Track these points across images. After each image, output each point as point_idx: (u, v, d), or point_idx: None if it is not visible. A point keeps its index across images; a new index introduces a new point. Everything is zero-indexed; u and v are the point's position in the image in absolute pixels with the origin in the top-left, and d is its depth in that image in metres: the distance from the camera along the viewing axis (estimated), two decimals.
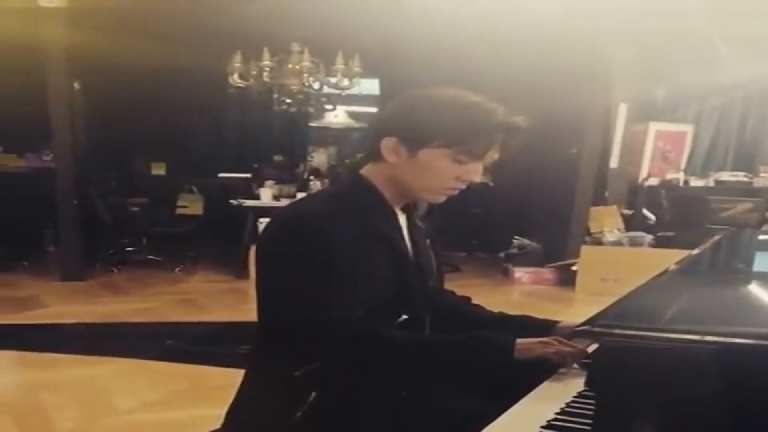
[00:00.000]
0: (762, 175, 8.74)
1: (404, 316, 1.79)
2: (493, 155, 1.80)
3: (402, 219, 1.91)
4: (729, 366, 1.03)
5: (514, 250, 8.32)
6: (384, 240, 1.80)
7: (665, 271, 1.75)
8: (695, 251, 2.21)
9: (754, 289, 1.59)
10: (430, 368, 1.72)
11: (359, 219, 1.75)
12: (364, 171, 1.86)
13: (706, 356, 1.04)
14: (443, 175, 1.77)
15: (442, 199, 1.86)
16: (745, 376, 1.03)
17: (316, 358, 1.70)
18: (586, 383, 1.17)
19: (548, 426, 1.41)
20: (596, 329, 1.10)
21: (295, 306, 1.69)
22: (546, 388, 1.63)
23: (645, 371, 1.07)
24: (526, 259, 8.15)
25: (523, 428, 1.41)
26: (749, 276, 1.89)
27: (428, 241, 2.02)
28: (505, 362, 1.70)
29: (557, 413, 1.45)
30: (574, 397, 1.50)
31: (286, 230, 1.77)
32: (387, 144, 1.78)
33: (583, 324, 1.14)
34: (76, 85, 7.88)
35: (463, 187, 1.82)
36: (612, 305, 1.32)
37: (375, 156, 1.82)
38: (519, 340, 1.73)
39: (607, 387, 1.11)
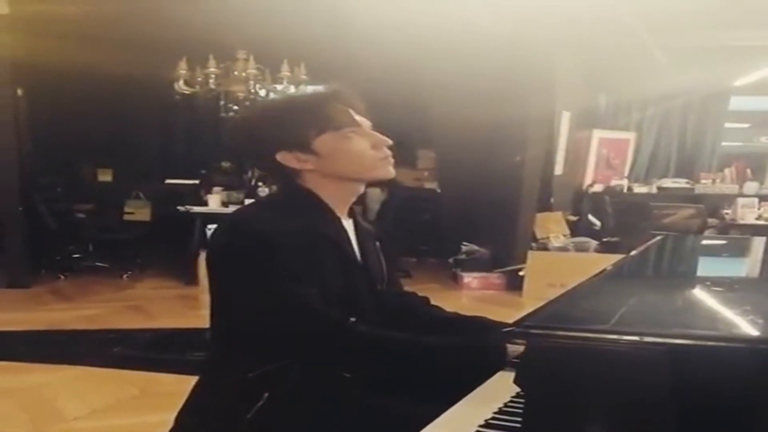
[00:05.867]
0: (703, 181, 8.96)
1: (352, 319, 1.77)
2: (365, 121, 1.86)
3: (348, 224, 1.91)
4: (653, 366, 1.09)
5: (463, 256, 8.40)
6: (331, 244, 1.80)
7: (601, 273, 1.81)
8: (631, 254, 2.28)
9: (683, 290, 1.65)
10: (417, 370, 1.75)
11: (303, 223, 1.76)
12: (298, 180, 1.87)
13: (629, 356, 1.10)
14: (358, 151, 1.83)
15: (383, 173, 1.88)
16: (669, 376, 1.09)
17: (281, 360, 1.71)
18: (515, 381, 1.22)
19: (486, 425, 1.45)
20: (521, 330, 1.15)
21: (271, 311, 1.68)
22: (488, 386, 1.67)
23: (568, 370, 1.12)
24: (474, 264, 8.23)
25: (462, 427, 1.44)
26: (683, 278, 1.96)
27: (378, 243, 2.03)
28: (498, 364, 1.72)
29: (496, 412, 1.50)
30: (513, 396, 1.55)
31: (232, 243, 1.76)
32: (284, 158, 1.81)
33: (511, 325, 1.19)
34: (20, 92, 7.79)
35: (388, 152, 1.86)
36: (543, 306, 1.37)
37: (284, 173, 1.85)
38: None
39: (532, 386, 1.16)
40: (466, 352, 1.78)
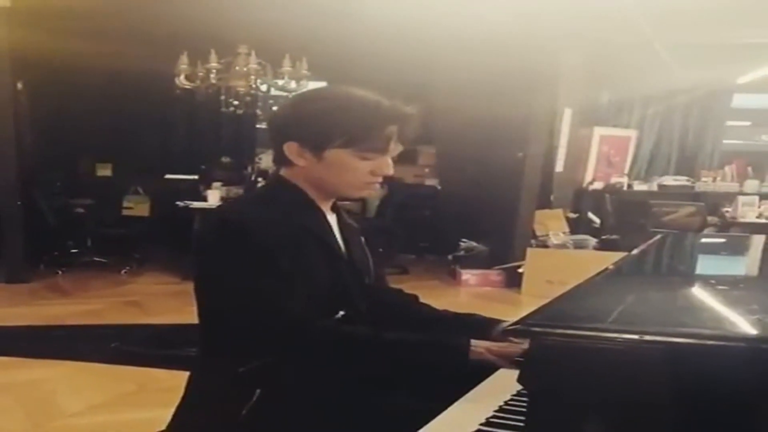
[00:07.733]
0: (703, 179, 8.96)
1: (341, 313, 1.80)
2: (397, 147, 1.82)
3: (332, 219, 1.92)
4: (656, 365, 1.08)
5: (462, 252, 8.39)
6: (315, 237, 1.81)
7: (602, 272, 1.80)
8: (633, 252, 2.26)
9: (684, 289, 1.64)
10: (384, 365, 1.74)
11: (287, 218, 1.76)
12: (284, 173, 1.86)
13: (632, 355, 1.09)
14: (356, 171, 1.79)
15: (366, 193, 1.89)
16: (670, 374, 1.08)
17: (264, 355, 1.70)
18: (518, 380, 1.21)
19: (487, 423, 1.44)
20: (523, 328, 1.14)
21: (241, 306, 1.69)
22: (487, 385, 1.66)
23: (572, 368, 1.11)
24: (473, 261, 8.22)
25: (463, 425, 1.43)
26: (683, 277, 1.95)
27: (363, 239, 2.03)
28: (460, 363, 1.72)
29: (497, 410, 1.49)
30: (513, 395, 1.54)
31: (216, 234, 1.78)
32: (290, 149, 1.79)
33: (514, 323, 1.17)
34: (20, 85, 7.78)
35: (380, 180, 1.84)
36: (546, 304, 1.36)
37: (284, 160, 1.83)
38: (473, 342, 1.75)
39: (536, 384, 1.15)
40: (428, 350, 1.78)
